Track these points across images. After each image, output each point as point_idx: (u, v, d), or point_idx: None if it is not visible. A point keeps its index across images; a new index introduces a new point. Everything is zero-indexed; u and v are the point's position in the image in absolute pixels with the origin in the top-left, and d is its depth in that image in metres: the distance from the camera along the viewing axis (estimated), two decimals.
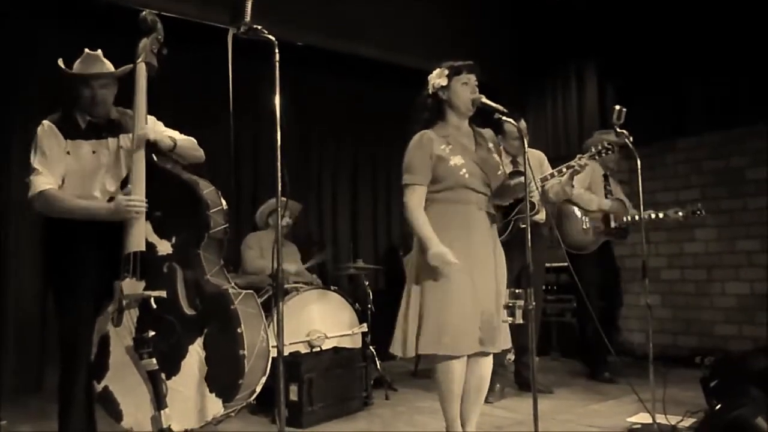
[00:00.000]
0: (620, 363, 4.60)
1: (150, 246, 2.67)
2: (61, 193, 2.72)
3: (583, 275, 4.75)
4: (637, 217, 4.68)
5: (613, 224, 4.74)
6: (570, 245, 4.73)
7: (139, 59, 2.77)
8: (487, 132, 3.11)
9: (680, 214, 4.63)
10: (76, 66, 2.82)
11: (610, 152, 3.87)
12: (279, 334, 2.03)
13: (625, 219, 4.72)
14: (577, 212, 4.78)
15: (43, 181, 2.69)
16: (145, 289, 2.60)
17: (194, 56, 4.69)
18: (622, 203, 4.83)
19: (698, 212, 4.65)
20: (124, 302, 2.61)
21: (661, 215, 4.64)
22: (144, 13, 2.82)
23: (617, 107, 3.49)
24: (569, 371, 5.27)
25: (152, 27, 2.81)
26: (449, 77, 2.91)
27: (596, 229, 4.76)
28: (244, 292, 2.65)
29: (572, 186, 4.17)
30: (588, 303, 3.68)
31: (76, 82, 2.80)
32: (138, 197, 2.65)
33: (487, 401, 3.25)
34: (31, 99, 4.47)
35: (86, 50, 2.86)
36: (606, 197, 4.80)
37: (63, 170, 2.75)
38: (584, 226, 4.76)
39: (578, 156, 3.96)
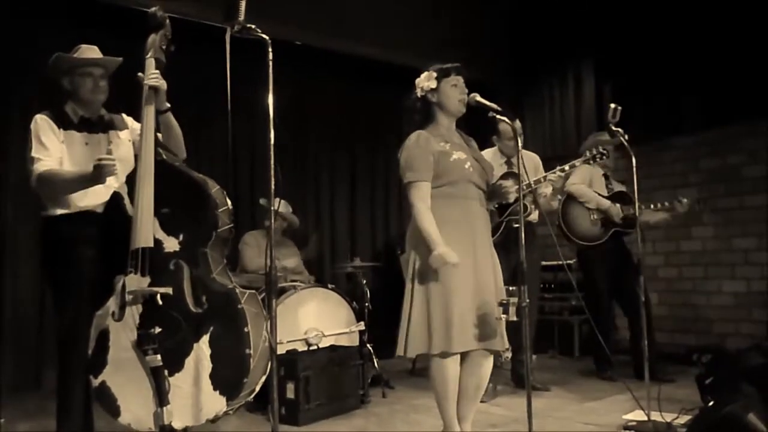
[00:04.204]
0: (614, 361, 4.64)
1: (157, 242, 2.66)
2: (57, 168, 2.74)
3: (593, 271, 4.86)
4: (641, 207, 4.62)
5: (617, 219, 4.73)
6: (579, 237, 4.81)
7: (148, 55, 2.78)
8: (471, 139, 3.15)
9: (684, 201, 4.64)
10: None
11: (605, 157, 3.91)
12: (272, 331, 2.04)
13: (630, 210, 4.64)
14: (585, 205, 4.81)
15: (42, 164, 2.72)
16: (150, 285, 2.60)
17: (190, 56, 4.70)
18: (623, 194, 4.82)
19: (700, 202, 4.69)
20: (129, 297, 2.61)
21: (666, 203, 4.65)
22: (153, 9, 2.82)
23: (613, 106, 3.51)
24: (567, 369, 5.29)
25: (161, 23, 2.81)
26: (438, 80, 2.93)
27: (604, 220, 4.78)
28: (248, 291, 2.65)
29: (558, 200, 4.22)
30: (582, 301, 3.69)
31: (75, 73, 2.83)
32: (109, 156, 2.64)
33: (480, 401, 3.25)
34: (29, 100, 4.48)
35: (82, 45, 2.90)
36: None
37: (60, 157, 2.77)
38: (592, 217, 4.79)
39: (571, 163, 4.01)
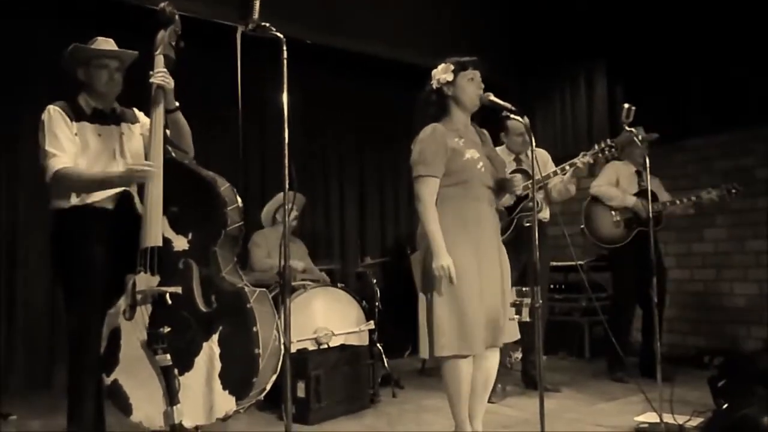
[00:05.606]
0: (627, 362, 4.61)
1: (166, 241, 2.66)
2: (77, 167, 2.72)
3: (622, 272, 4.83)
4: (668, 204, 4.65)
5: (642, 215, 4.64)
6: (602, 240, 4.79)
7: (158, 51, 2.78)
8: (485, 132, 3.13)
9: (713, 193, 4.55)
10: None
11: (613, 150, 3.88)
12: (286, 331, 2.04)
13: (655, 208, 4.54)
14: (606, 206, 4.78)
15: (58, 161, 2.68)
16: (160, 284, 2.60)
17: (201, 54, 4.71)
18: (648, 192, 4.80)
19: (733, 191, 4.55)
20: (138, 297, 2.61)
21: (693, 198, 4.58)
22: (162, 4, 2.81)
23: (626, 106, 3.49)
24: (578, 370, 5.25)
25: (170, 19, 2.81)
26: (455, 73, 2.91)
27: (627, 221, 4.74)
28: (258, 290, 2.65)
29: (574, 184, 4.16)
30: (594, 302, 3.67)
31: (91, 64, 2.82)
32: (148, 162, 2.66)
33: (489, 401, 3.25)
34: (37, 98, 4.46)
35: (98, 37, 2.89)
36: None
37: (74, 150, 2.74)
38: (615, 219, 4.75)
39: (582, 153, 3.98)
